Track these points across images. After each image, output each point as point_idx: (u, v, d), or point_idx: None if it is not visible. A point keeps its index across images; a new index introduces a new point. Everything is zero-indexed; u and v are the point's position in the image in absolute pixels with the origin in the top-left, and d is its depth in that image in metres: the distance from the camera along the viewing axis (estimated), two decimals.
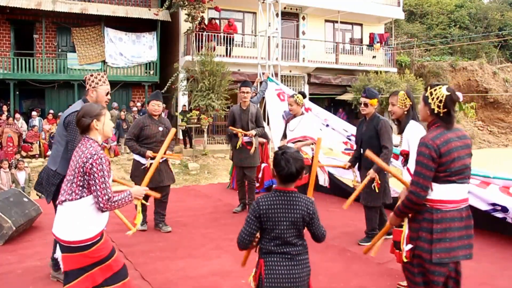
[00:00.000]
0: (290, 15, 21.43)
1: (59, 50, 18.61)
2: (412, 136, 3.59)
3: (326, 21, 22.18)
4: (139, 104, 18.53)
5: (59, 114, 17.11)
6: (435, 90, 2.72)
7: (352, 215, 6.09)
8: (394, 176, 3.43)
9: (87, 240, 2.65)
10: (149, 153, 5.16)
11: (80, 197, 2.66)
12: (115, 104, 17.89)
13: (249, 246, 2.54)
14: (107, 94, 3.73)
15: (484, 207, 5.26)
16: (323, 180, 5.95)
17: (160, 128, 5.31)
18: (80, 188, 2.66)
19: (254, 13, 20.09)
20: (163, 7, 18.30)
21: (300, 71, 21.04)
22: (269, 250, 2.45)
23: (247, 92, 6.19)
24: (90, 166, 2.62)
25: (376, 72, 21.08)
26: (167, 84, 17.84)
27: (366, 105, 4.84)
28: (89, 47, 18.11)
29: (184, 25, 18.32)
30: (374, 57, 22.70)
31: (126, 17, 17.88)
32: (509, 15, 33.63)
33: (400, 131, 3.91)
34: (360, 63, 22.37)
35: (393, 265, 4.32)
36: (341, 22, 21.93)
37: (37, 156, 15.64)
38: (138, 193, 2.89)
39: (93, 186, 2.63)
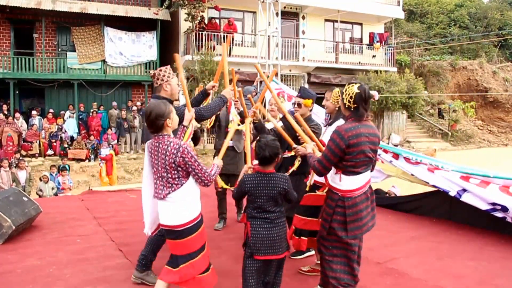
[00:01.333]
0: (290, 14, 21.43)
1: (59, 49, 18.61)
2: None
3: (326, 20, 22.18)
4: (138, 103, 18.54)
5: (61, 112, 17.27)
6: (348, 87, 3.15)
7: None
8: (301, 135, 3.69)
9: (198, 217, 3.06)
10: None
11: (181, 185, 2.99)
12: (114, 104, 17.90)
13: (241, 197, 3.28)
14: (178, 85, 3.83)
15: (484, 206, 5.28)
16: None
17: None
18: (177, 179, 2.98)
19: (254, 12, 20.09)
20: (163, 7, 18.32)
21: (300, 71, 21.07)
22: (253, 216, 3.14)
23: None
24: (181, 159, 2.92)
25: (376, 71, 21.08)
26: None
27: (299, 105, 4.28)
28: (89, 46, 18.12)
29: (184, 25, 18.32)
30: (374, 56, 22.71)
31: (126, 16, 17.87)
32: (509, 14, 33.65)
33: (328, 124, 4.07)
34: (360, 62, 22.39)
35: (392, 264, 4.36)
36: (341, 22, 21.94)
37: (37, 155, 15.66)
38: (220, 164, 3.23)
39: (192, 172, 2.97)
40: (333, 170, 3.24)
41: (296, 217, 3.94)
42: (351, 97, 3.09)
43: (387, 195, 8.63)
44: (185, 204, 3.02)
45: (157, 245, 3.81)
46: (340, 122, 3.76)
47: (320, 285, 3.52)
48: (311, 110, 4.32)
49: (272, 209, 3.10)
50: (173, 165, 2.94)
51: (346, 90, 3.15)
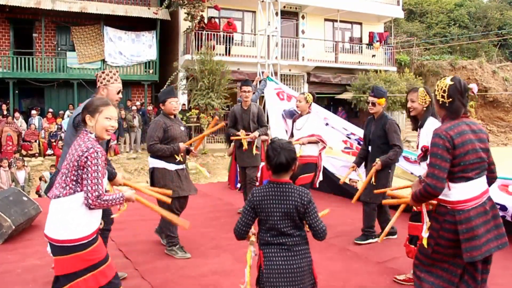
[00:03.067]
0: (289, 14, 21.43)
1: (59, 49, 18.62)
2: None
3: (326, 20, 22.17)
4: (138, 103, 18.52)
5: (60, 112, 17.22)
6: (440, 81, 2.78)
7: (352, 214, 6.07)
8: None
9: (82, 239, 2.53)
10: (182, 145, 4.46)
11: (74, 192, 2.54)
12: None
13: (245, 236, 2.58)
14: (118, 92, 3.58)
15: None
16: (316, 178, 5.71)
17: (182, 128, 4.68)
18: (74, 183, 2.54)
19: (254, 12, 20.07)
20: (163, 6, 18.33)
21: (299, 70, 21.05)
22: (266, 241, 2.49)
23: (248, 91, 5.92)
24: (85, 159, 2.51)
25: (376, 71, 21.07)
26: (167, 83, 17.75)
27: (374, 104, 4.80)
28: (89, 46, 18.11)
29: (184, 24, 18.32)
30: (373, 56, 22.70)
31: (125, 16, 17.89)
32: (508, 14, 33.61)
33: (417, 127, 3.86)
34: (359, 62, 22.37)
35: (392, 264, 4.32)
36: (341, 21, 21.94)
37: (36, 155, 15.62)
38: (131, 198, 2.74)
39: (84, 180, 2.51)
40: None
41: (411, 224, 3.76)
42: (444, 91, 2.72)
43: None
44: (72, 216, 2.52)
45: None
46: (432, 121, 3.64)
47: None
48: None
49: (290, 232, 2.46)
50: (76, 163, 2.53)
51: (438, 85, 2.79)
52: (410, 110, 3.89)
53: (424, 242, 2.77)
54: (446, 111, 2.73)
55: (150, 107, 17.82)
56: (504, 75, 27.28)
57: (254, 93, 7.10)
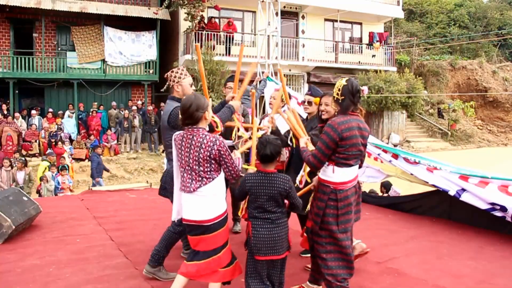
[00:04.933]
0: (289, 14, 21.43)
1: (59, 49, 18.62)
2: None
3: (326, 20, 22.17)
4: (139, 102, 18.53)
5: (59, 112, 17.19)
6: (338, 82, 3.29)
7: None
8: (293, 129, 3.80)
9: (222, 215, 3.03)
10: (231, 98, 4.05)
11: (213, 179, 2.98)
12: (113, 103, 17.89)
13: (244, 197, 3.28)
14: (191, 85, 3.83)
15: (483, 206, 5.27)
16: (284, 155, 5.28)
17: None
18: (209, 172, 2.97)
19: (254, 12, 20.05)
20: (163, 6, 18.31)
21: (299, 70, 21.06)
22: (254, 216, 3.13)
23: (231, 88, 5.22)
24: (217, 152, 2.93)
25: (376, 71, 21.11)
26: (167, 83, 17.74)
27: (310, 103, 4.31)
28: (89, 46, 18.12)
29: (184, 24, 18.31)
30: (373, 56, 22.72)
31: (125, 16, 17.87)
32: (508, 14, 33.59)
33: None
34: (359, 62, 22.41)
35: (392, 264, 4.35)
36: (341, 21, 21.96)
37: (37, 155, 15.65)
38: (240, 157, 3.23)
39: (224, 165, 2.99)
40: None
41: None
42: (339, 89, 3.22)
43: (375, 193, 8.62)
44: (214, 199, 3.01)
45: (170, 241, 3.78)
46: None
47: (310, 281, 3.59)
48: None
49: (273, 209, 3.08)
50: (208, 158, 2.94)
51: (336, 84, 3.29)
52: (323, 113, 3.84)
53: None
54: (339, 106, 3.25)
55: (150, 107, 17.81)
56: (504, 75, 27.26)
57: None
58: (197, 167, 2.97)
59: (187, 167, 3.02)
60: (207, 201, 2.99)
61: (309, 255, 4.46)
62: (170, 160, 3.67)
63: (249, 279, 3.14)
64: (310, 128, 4.24)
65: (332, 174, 3.21)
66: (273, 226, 3.08)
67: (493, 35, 32.15)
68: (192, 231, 3.07)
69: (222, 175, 3.07)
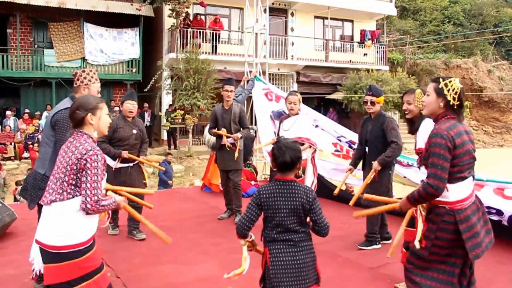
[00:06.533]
0: (278, 11, 21.19)
1: (35, 46, 18.16)
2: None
3: (316, 17, 22.07)
4: None
5: (36, 113, 16.86)
6: (450, 82, 2.76)
7: (342, 219, 5.96)
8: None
9: (79, 245, 2.50)
10: (125, 153, 4.97)
11: (73, 197, 2.51)
12: None
13: (247, 233, 2.65)
14: (97, 92, 3.69)
15: None
16: (311, 183, 5.70)
17: (134, 131, 5.11)
18: (72, 187, 2.52)
19: (241, 8, 19.67)
20: (146, 2, 17.89)
21: (288, 69, 20.83)
22: (272, 238, 2.61)
23: (231, 91, 5.96)
24: (84, 162, 2.49)
25: (367, 70, 20.86)
26: (150, 83, 17.46)
27: (372, 103, 4.77)
28: (68, 43, 17.72)
29: (168, 21, 17.97)
30: (365, 54, 22.60)
31: (107, 12, 17.50)
32: (504, 11, 33.52)
33: (413, 131, 3.84)
34: (350, 61, 22.28)
35: (385, 269, 4.32)
36: (331, 19, 21.85)
37: (12, 158, 15.19)
38: (120, 204, 2.74)
39: (83, 184, 2.48)
40: None
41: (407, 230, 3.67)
42: (456, 93, 2.74)
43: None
44: (70, 221, 2.50)
45: None
46: (428, 122, 3.52)
47: None
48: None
49: (296, 228, 2.60)
50: (75, 166, 2.50)
51: (448, 85, 2.75)
52: (406, 112, 3.90)
53: (417, 243, 2.81)
54: (454, 113, 2.76)
55: None
56: (500, 74, 27.24)
57: (240, 94, 7.21)
58: (63, 175, 2.54)
59: (56, 174, 2.59)
60: (59, 222, 2.49)
61: (368, 248, 4.76)
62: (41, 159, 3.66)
63: None
64: (378, 126, 4.72)
65: (446, 192, 2.69)
66: (297, 251, 2.59)
67: (488, 33, 31.99)
68: (42, 256, 2.60)
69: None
